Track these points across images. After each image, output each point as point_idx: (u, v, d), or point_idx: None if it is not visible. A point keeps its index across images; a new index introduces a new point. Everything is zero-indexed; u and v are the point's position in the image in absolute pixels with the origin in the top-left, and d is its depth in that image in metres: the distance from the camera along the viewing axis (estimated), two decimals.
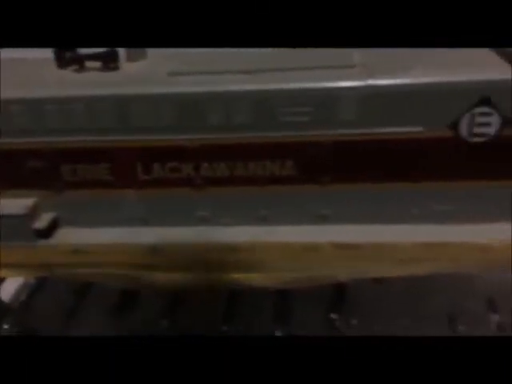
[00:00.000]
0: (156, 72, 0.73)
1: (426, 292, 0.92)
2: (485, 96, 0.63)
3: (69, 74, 0.75)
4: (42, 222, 0.76)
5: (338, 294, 0.92)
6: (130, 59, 0.78)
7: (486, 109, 0.64)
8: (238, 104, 0.68)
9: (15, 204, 0.74)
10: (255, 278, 0.75)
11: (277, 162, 0.71)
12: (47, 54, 0.75)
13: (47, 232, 0.75)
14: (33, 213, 0.75)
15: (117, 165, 0.73)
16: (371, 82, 0.65)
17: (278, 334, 0.86)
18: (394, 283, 0.92)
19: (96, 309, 0.93)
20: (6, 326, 0.87)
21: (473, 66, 0.65)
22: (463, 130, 0.65)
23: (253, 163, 0.71)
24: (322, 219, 0.74)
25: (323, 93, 0.66)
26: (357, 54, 0.72)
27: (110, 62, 0.75)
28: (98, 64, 0.76)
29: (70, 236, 0.76)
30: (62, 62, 0.76)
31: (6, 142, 0.72)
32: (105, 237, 0.75)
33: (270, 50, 0.73)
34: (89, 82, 0.72)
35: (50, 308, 0.90)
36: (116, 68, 0.76)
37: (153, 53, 0.80)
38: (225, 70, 0.71)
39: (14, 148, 0.73)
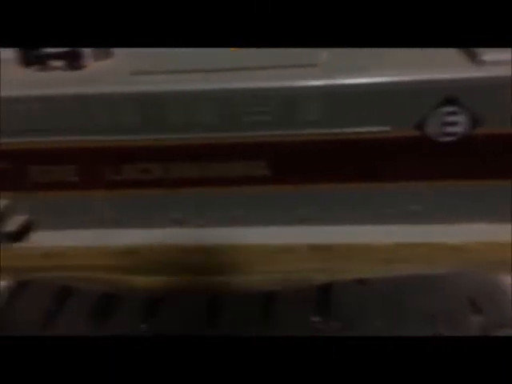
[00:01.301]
0: (119, 71, 0.71)
1: (409, 292, 0.90)
2: (451, 95, 0.60)
3: (31, 73, 0.74)
4: (13, 224, 0.75)
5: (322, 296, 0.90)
6: (96, 58, 0.76)
7: (452, 108, 0.60)
8: (200, 103, 0.66)
9: None
10: (236, 281, 0.74)
11: (249, 162, 0.69)
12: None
13: (18, 235, 0.75)
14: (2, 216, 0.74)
15: (83, 166, 0.72)
16: (334, 81, 0.63)
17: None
18: (377, 284, 0.90)
19: (76, 313, 0.92)
20: None
21: (437, 65, 0.62)
22: (430, 129, 0.62)
23: (223, 163, 0.70)
24: (300, 221, 0.72)
25: (285, 92, 0.64)
26: (322, 53, 0.68)
27: (73, 62, 0.74)
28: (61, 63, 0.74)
29: (41, 239, 0.75)
30: (24, 62, 0.74)
31: None
32: (76, 239, 0.75)
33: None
34: (47, 82, 0.70)
35: (30, 313, 0.90)
36: (80, 67, 0.74)
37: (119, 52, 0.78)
38: (186, 69, 0.68)
39: None
